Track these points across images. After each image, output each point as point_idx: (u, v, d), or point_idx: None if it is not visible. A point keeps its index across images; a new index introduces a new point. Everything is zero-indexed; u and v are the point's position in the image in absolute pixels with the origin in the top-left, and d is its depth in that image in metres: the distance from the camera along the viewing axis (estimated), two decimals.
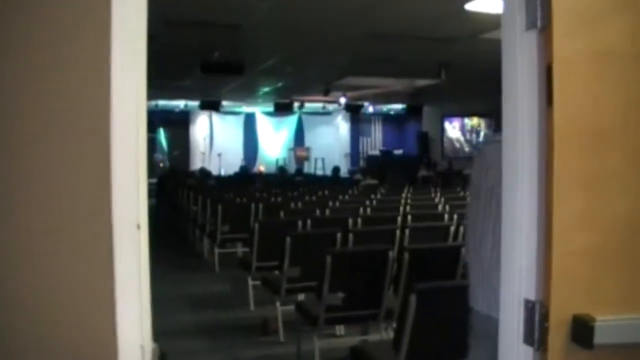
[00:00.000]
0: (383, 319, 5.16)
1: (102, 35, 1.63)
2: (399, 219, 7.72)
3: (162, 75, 16.35)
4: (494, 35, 11.41)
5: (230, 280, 8.95)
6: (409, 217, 7.74)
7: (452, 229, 6.62)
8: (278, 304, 6.29)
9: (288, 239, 6.02)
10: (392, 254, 4.99)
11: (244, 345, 6.28)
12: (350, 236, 6.14)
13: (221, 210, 9.72)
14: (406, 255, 4.92)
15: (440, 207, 9.40)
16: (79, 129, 1.64)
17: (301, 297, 6.81)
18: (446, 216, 7.89)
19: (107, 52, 1.64)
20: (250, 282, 7.51)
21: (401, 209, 9.20)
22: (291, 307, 6.12)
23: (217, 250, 10.01)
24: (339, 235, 6.16)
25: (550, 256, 1.90)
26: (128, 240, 1.67)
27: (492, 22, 10.37)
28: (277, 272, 6.98)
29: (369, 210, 9.07)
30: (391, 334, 5.21)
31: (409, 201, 10.45)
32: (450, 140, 29.64)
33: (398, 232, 6.38)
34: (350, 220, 7.41)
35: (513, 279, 2.03)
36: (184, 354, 6.06)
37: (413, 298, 3.48)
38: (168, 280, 9.41)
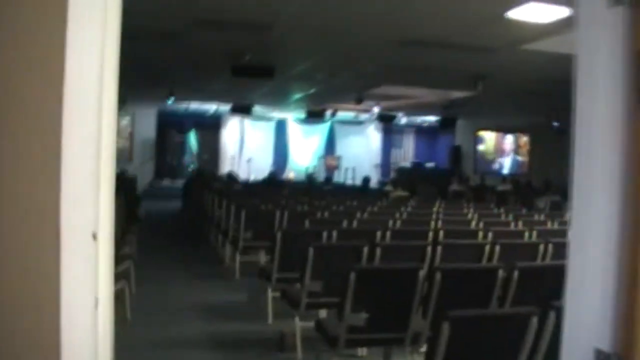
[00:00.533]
0: (409, 343, 4.74)
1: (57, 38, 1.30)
2: (431, 234, 7.28)
3: (192, 77, 16.11)
4: (535, 47, 11.01)
5: (249, 289, 8.58)
6: (441, 232, 7.29)
7: (488, 248, 6.16)
8: (297, 319, 5.88)
9: (311, 250, 5.62)
10: (422, 273, 4.57)
11: None
12: (378, 250, 5.72)
13: (244, 216, 9.36)
14: (438, 275, 4.49)
15: (473, 224, 8.94)
16: (27, 127, 1.30)
17: (322, 313, 6.43)
18: (480, 234, 7.42)
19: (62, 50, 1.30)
20: (270, 294, 7.12)
21: (432, 223, 8.76)
22: (311, 324, 5.72)
23: (238, 258, 9.64)
24: (365, 249, 5.74)
25: (636, 298, 1.47)
26: (79, 250, 1.29)
27: (534, 32, 9.94)
28: (298, 285, 6.60)
29: (398, 223, 8.63)
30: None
31: (440, 216, 9.98)
32: (483, 155, 29.17)
33: (429, 248, 5.94)
34: (379, 233, 7.00)
35: (580, 323, 1.60)
36: None
37: (446, 326, 3.05)
38: (186, 287, 9.11)
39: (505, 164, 29.13)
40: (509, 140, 29.45)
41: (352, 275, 4.42)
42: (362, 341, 4.79)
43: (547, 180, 19.95)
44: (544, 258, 6.40)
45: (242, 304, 8.12)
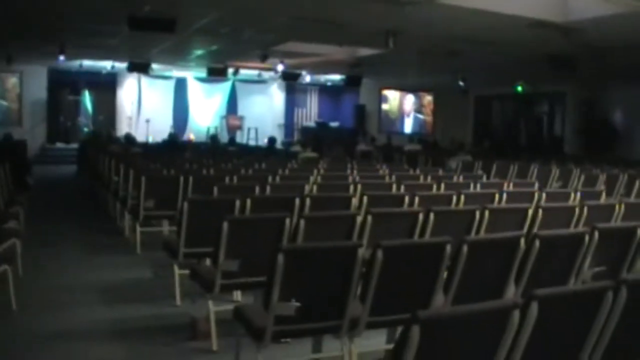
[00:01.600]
0: (346, 331, 4.10)
1: None
2: (354, 200, 6.64)
3: (85, 31, 14.90)
4: (453, 1, 10.49)
5: (153, 265, 7.77)
6: (365, 198, 6.66)
7: (421, 217, 5.56)
8: (210, 303, 5.13)
9: (225, 225, 4.87)
10: (361, 251, 3.91)
11: (167, 354, 5.11)
12: (302, 223, 5.02)
13: (145, 182, 8.49)
14: (379, 254, 3.85)
15: (394, 187, 8.36)
16: None
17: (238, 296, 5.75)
18: (406, 199, 6.84)
19: None
20: (177, 271, 6.34)
21: (352, 187, 8.13)
22: (226, 307, 5.01)
23: (139, 229, 8.78)
24: (287, 221, 5.04)
25: None
26: None
27: None
28: (209, 262, 5.86)
29: (315, 188, 7.96)
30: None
31: (357, 179, 9.38)
32: (387, 114, 29.00)
33: (359, 218, 5.30)
34: (297, 201, 6.31)
35: None
36: None
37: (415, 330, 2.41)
38: (80, 264, 8.23)
39: (410, 124, 29.07)
40: (412, 99, 29.41)
41: (280, 257, 3.72)
42: (293, 332, 4.09)
43: (460, 141, 19.74)
44: (479, 228, 5.88)
45: (146, 283, 7.29)
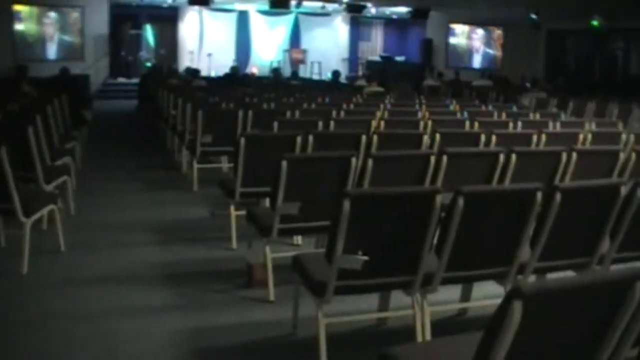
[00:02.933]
0: (419, 288, 3.62)
1: None
2: (425, 138, 6.08)
3: None
4: None
5: (210, 203, 7.37)
6: (437, 136, 6.10)
7: (501, 158, 5.00)
8: (267, 248, 4.70)
9: (284, 164, 4.39)
10: (439, 198, 3.40)
11: (220, 303, 4.69)
12: (370, 163, 4.52)
13: (202, 116, 8.06)
14: (460, 201, 3.33)
15: (467, 125, 7.76)
16: None
17: (299, 241, 5.31)
18: (482, 137, 6.26)
19: None
20: (234, 212, 5.92)
21: (422, 124, 7.57)
22: (287, 254, 4.58)
23: (196, 165, 8.40)
24: (353, 160, 4.54)
25: None
26: None
27: None
28: (267, 203, 5.42)
29: (382, 124, 7.41)
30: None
31: (427, 114, 8.80)
32: (455, 48, 28.10)
33: (433, 159, 4.76)
34: (364, 138, 5.78)
35: None
36: (136, 311, 4.55)
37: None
38: (135, 201, 7.90)
39: (479, 59, 28.11)
40: (481, 33, 28.40)
41: (346, 203, 3.22)
42: (358, 288, 3.60)
43: (534, 77, 18.85)
44: (564, 172, 5.29)
45: (202, 223, 6.88)
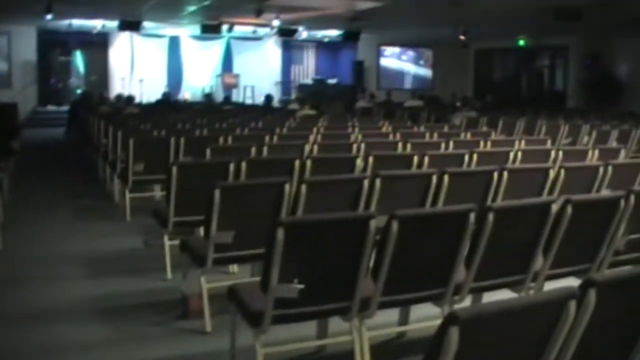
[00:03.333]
0: (356, 313, 3.60)
1: None
2: (358, 161, 6.10)
3: None
4: None
5: (143, 233, 7.24)
6: (370, 159, 6.12)
7: (434, 179, 5.03)
8: (203, 279, 4.63)
9: (217, 192, 4.34)
10: (374, 223, 3.39)
11: (156, 336, 4.59)
12: (303, 188, 4.50)
13: (133, 145, 7.93)
14: (394, 225, 3.33)
15: (400, 146, 7.80)
16: None
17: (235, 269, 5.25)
18: (415, 159, 6.31)
19: None
20: (167, 242, 5.82)
21: (355, 147, 7.59)
22: (222, 284, 4.52)
23: (128, 194, 8.25)
24: (286, 187, 4.51)
25: None
26: None
27: None
28: (201, 232, 5.34)
29: (316, 148, 7.40)
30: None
31: (360, 137, 8.84)
32: (386, 69, 28.51)
33: (366, 182, 4.76)
34: (297, 163, 5.76)
35: None
36: (68, 349, 4.41)
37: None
38: (66, 232, 7.71)
39: (410, 79, 28.56)
40: (412, 54, 28.90)
41: (280, 232, 3.19)
42: (295, 316, 3.57)
43: (464, 97, 19.19)
44: (497, 191, 5.36)
45: (135, 253, 6.74)
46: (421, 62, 29.29)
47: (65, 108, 22.10)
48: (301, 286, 3.29)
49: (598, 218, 4.22)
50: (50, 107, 24.39)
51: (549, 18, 14.80)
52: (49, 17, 17.74)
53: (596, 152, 7.54)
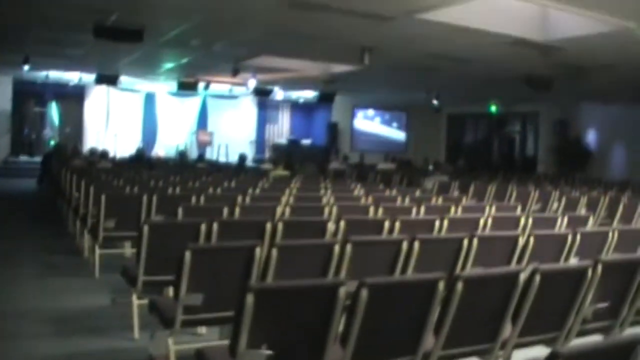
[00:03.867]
0: None
1: None
2: (330, 225, 6.13)
3: (50, 40, 14.31)
4: (433, 17, 10.05)
5: (112, 290, 7.16)
6: (342, 223, 6.16)
7: (405, 245, 5.06)
8: (170, 340, 4.58)
9: (188, 254, 4.34)
10: (343, 290, 3.40)
11: None
12: (274, 252, 4.51)
13: (105, 200, 7.90)
14: (364, 293, 3.35)
15: (372, 210, 7.86)
16: None
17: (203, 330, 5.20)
18: (386, 224, 6.35)
19: None
20: (135, 301, 5.77)
21: (327, 210, 7.63)
22: (190, 346, 4.47)
23: (98, 250, 8.18)
24: (257, 250, 4.52)
25: None
26: None
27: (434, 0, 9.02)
28: (171, 293, 5.32)
29: (288, 211, 7.44)
30: None
31: (332, 200, 8.90)
32: (360, 132, 28.83)
33: (337, 247, 4.78)
34: (268, 227, 5.78)
35: None
36: None
37: None
38: (32, 288, 7.58)
39: (383, 142, 28.85)
40: (385, 117, 29.26)
41: (249, 297, 3.19)
42: None
43: (436, 161, 19.41)
44: (466, 257, 5.40)
45: (103, 311, 6.64)
46: (395, 125, 29.66)
47: (37, 159, 22.04)
48: (270, 352, 3.28)
49: (566, 287, 4.27)
50: (23, 158, 24.29)
51: (520, 85, 15.11)
52: (26, 67, 17.80)
53: (565, 219, 7.65)
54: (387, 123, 29.59)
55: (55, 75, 22.34)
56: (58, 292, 7.38)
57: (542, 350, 4.22)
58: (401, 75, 17.28)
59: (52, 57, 17.55)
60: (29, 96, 24.90)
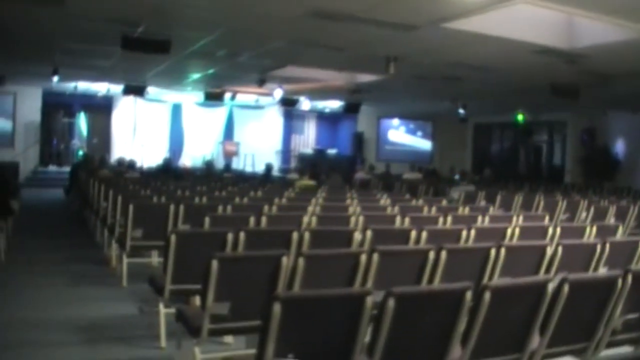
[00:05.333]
0: None
1: None
2: (356, 235, 6.11)
3: (79, 52, 14.48)
4: (459, 26, 10.04)
5: (139, 300, 7.22)
6: (369, 233, 6.15)
7: (431, 255, 5.03)
8: (197, 350, 4.60)
9: (214, 263, 4.35)
10: (370, 300, 3.40)
11: None
12: (301, 261, 4.51)
13: (132, 210, 7.96)
14: (391, 303, 3.34)
15: (398, 220, 7.84)
16: None
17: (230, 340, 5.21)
18: (413, 234, 6.32)
19: None
20: (162, 310, 5.80)
21: (353, 219, 7.63)
22: (217, 355, 4.49)
23: (125, 260, 8.23)
24: (284, 259, 4.53)
25: None
26: None
27: (460, 9, 8.98)
28: (198, 301, 5.33)
29: (314, 220, 7.44)
30: None
31: (358, 210, 8.89)
32: (386, 141, 28.80)
33: (364, 257, 4.76)
34: (295, 236, 5.78)
35: None
36: None
37: None
38: (60, 297, 7.66)
39: (409, 152, 28.78)
40: (411, 127, 29.20)
41: (276, 306, 3.20)
42: None
43: (462, 170, 19.31)
44: (494, 267, 5.36)
45: (130, 320, 6.70)
46: (420, 134, 29.59)
47: (66, 169, 22.28)
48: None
49: (595, 297, 4.23)
50: (51, 168, 24.56)
51: (547, 94, 15.00)
52: (55, 79, 18.05)
53: (594, 228, 7.57)
54: (412, 132, 29.53)
55: (83, 86, 22.58)
56: (86, 301, 7.45)
57: None
58: (427, 84, 17.24)
59: (80, 69, 17.77)
60: (57, 107, 25.22)
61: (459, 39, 10.76)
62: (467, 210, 9.71)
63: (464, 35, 10.40)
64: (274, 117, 29.15)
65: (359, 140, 28.39)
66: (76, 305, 7.25)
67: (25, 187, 19.76)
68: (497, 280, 5.04)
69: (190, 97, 25.42)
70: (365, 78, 17.22)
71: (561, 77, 14.12)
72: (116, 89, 22.28)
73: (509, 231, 7.02)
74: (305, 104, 23.39)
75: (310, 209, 8.78)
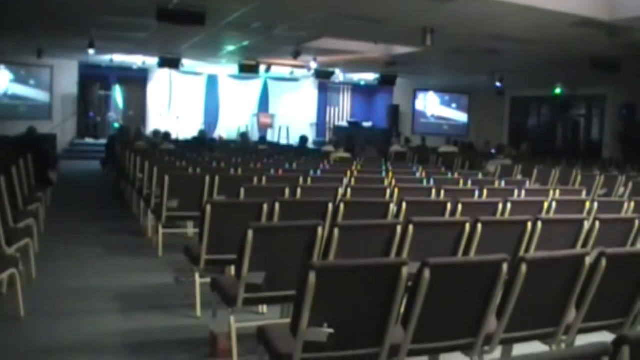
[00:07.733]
0: (386, 359, 3.58)
1: None
2: (392, 206, 6.10)
3: (114, 24, 14.54)
4: None
5: (175, 269, 7.31)
6: (404, 205, 6.12)
7: (467, 227, 5.00)
8: (232, 318, 4.63)
9: (250, 233, 4.36)
10: (405, 270, 3.39)
11: None
12: (336, 232, 4.51)
13: (168, 181, 8.02)
14: (426, 273, 3.33)
15: (433, 192, 7.80)
16: None
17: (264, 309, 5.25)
18: (449, 206, 6.28)
19: None
20: (198, 279, 5.86)
21: (388, 191, 7.60)
22: (252, 324, 4.52)
23: (161, 230, 8.31)
24: (319, 230, 4.53)
25: None
26: None
27: None
28: (232, 271, 5.39)
29: (349, 191, 7.43)
30: None
31: (393, 182, 8.85)
32: (422, 114, 28.57)
33: (399, 228, 4.75)
34: (331, 206, 5.78)
35: None
36: None
37: None
38: (98, 266, 7.76)
39: (444, 125, 28.57)
40: (447, 100, 28.95)
41: (312, 275, 3.21)
42: None
43: (499, 144, 19.13)
44: (530, 241, 5.31)
45: (166, 290, 6.77)
46: (456, 107, 29.33)
47: (102, 141, 22.50)
48: (331, 331, 3.29)
49: (633, 272, 4.17)
50: (88, 140, 24.81)
51: (586, 68, 14.75)
52: (91, 52, 18.17)
53: (632, 204, 7.47)
54: (447, 104, 29.25)
55: (119, 59, 22.72)
56: (123, 270, 7.55)
57: (607, 337, 4.15)
58: (463, 57, 17.05)
59: (116, 41, 17.86)
60: (94, 80, 25.42)
61: (496, 10, 10.62)
62: (503, 183, 9.62)
63: (501, 7, 10.26)
64: (309, 90, 29.08)
65: (394, 113, 28.22)
66: (114, 274, 7.34)
67: (63, 159, 20.03)
68: (534, 253, 4.99)
69: (224, 70, 25.41)
70: (402, 50, 17.06)
71: (602, 50, 13.86)
72: (151, 61, 22.38)
73: (546, 205, 6.95)
74: (340, 76, 23.27)
75: (345, 180, 8.77)
